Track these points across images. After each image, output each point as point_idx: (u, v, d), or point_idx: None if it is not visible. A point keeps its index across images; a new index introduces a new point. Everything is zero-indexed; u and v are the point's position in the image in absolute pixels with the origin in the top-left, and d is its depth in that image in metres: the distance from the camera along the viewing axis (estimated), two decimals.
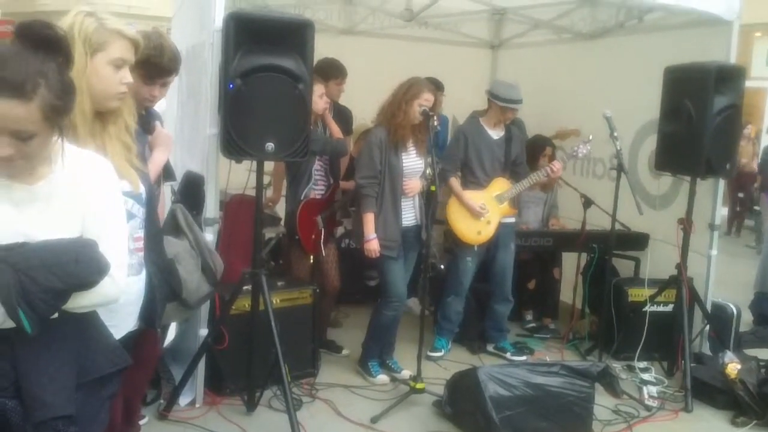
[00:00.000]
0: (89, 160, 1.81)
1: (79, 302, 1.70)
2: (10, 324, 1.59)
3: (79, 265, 1.64)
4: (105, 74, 2.16)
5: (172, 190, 3.49)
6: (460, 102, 6.18)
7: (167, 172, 3.06)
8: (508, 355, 5.01)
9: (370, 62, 6.27)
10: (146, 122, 2.98)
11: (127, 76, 2.21)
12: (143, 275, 2.38)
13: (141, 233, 2.34)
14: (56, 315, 1.67)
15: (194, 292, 2.89)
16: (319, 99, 4.57)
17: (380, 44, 6.66)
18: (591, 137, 4.96)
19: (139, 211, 2.31)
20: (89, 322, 1.85)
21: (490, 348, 5.11)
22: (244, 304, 3.94)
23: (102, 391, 1.87)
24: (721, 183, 4.90)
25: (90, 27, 2.15)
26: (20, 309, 1.54)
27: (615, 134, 4.65)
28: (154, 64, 2.80)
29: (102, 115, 2.20)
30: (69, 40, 1.70)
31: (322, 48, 6.36)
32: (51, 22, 1.67)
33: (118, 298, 1.83)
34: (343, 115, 5.34)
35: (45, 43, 1.59)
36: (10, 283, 1.54)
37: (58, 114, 1.60)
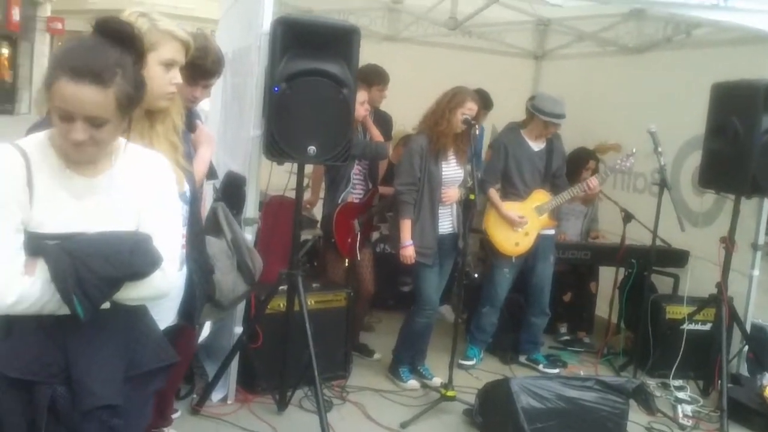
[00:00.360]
0: (150, 157, 1.88)
1: (132, 294, 1.75)
2: (64, 310, 1.65)
3: (134, 256, 1.70)
4: (155, 74, 2.20)
5: (213, 188, 3.55)
6: (503, 112, 6.15)
7: (210, 171, 3.11)
8: (540, 367, 4.98)
9: (412, 69, 6.30)
10: (189, 121, 3.04)
11: (177, 76, 2.27)
12: (184, 272, 2.43)
13: (184, 230, 2.39)
14: (108, 306, 1.72)
15: (229, 293, 2.89)
16: (360, 106, 4.60)
17: (423, 52, 6.69)
18: (635, 150, 4.91)
19: (183, 209, 2.37)
20: (140, 316, 1.90)
21: (522, 359, 5.08)
22: (279, 304, 3.99)
23: (149, 385, 1.92)
24: (766, 202, 4.81)
25: (143, 27, 2.20)
26: (75, 295, 1.60)
27: (659, 149, 4.60)
28: (198, 66, 2.82)
29: (151, 114, 2.26)
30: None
31: (366, 54, 6.37)
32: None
33: (169, 293, 1.89)
34: (383, 121, 5.37)
35: (122, 38, 1.68)
36: (67, 269, 1.61)
37: (130, 104, 1.70)
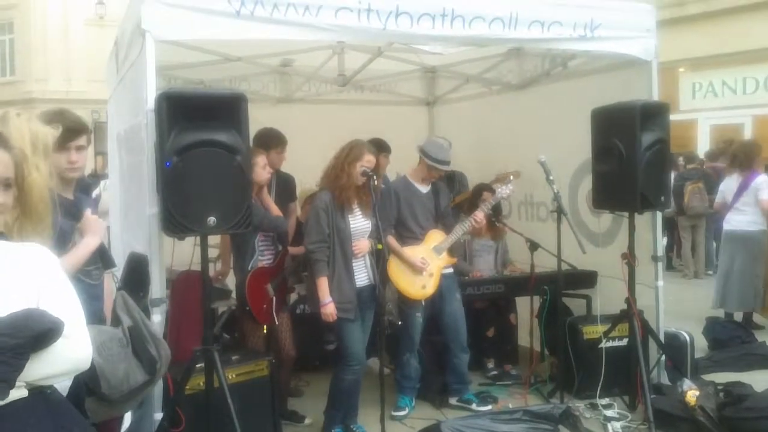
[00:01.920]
0: (33, 248, 1.88)
1: (43, 370, 1.70)
2: None
3: (29, 320, 1.67)
4: None
5: (114, 277, 3.44)
6: (402, 159, 6.27)
7: (106, 260, 3.02)
8: (473, 406, 4.97)
9: (309, 128, 6.38)
10: (76, 210, 2.97)
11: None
12: None
13: None
14: (26, 395, 1.67)
15: (120, 384, 2.69)
16: (262, 170, 4.61)
17: (318, 110, 6.80)
18: (511, 177, 5.13)
19: None
20: (63, 410, 1.84)
21: (453, 401, 5.08)
22: (198, 382, 3.86)
23: None
24: (659, 215, 5.05)
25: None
26: None
27: (551, 178, 4.79)
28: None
29: None
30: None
31: (262, 117, 6.43)
32: None
33: (86, 364, 1.83)
34: (286, 183, 5.38)
35: None
36: None
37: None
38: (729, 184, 7.33)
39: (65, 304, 1.81)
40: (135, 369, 2.77)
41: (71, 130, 2.96)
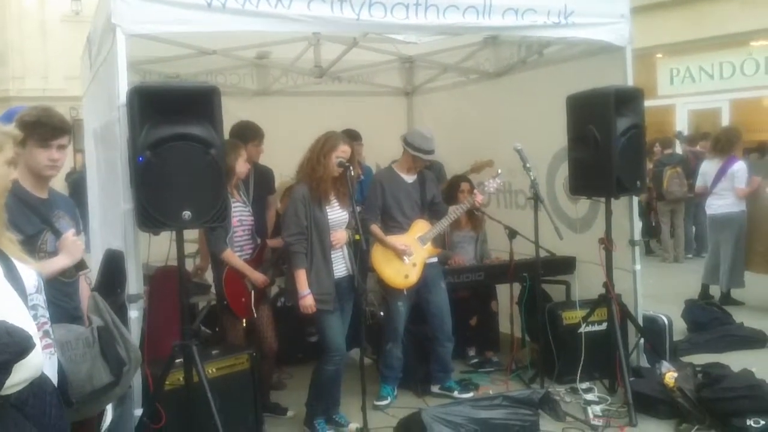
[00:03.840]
0: None
1: (18, 377, 1.75)
2: None
3: (11, 335, 1.70)
4: None
5: (89, 280, 3.41)
6: (381, 150, 6.28)
7: (79, 264, 3.01)
8: (455, 393, 5.00)
9: (287, 121, 6.37)
10: (45, 211, 2.98)
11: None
12: None
13: None
14: None
15: (83, 384, 2.65)
16: (243, 162, 4.60)
17: (296, 102, 6.77)
18: (500, 171, 5.13)
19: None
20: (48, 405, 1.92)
21: (435, 389, 5.10)
22: (178, 378, 3.85)
23: None
24: (635, 200, 5.09)
25: None
26: None
27: (528, 165, 4.81)
28: (45, 124, 2.92)
29: None
30: None
31: (240, 110, 6.43)
32: None
33: (41, 367, 1.89)
34: (264, 176, 5.37)
35: None
36: None
37: None
38: (709, 168, 7.49)
39: (17, 313, 1.81)
40: (100, 370, 2.73)
41: (56, 129, 2.97)
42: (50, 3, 23.92)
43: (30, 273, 2.11)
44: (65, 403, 2.26)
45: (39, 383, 1.93)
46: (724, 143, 7.37)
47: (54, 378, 2.12)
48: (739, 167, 7.24)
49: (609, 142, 4.55)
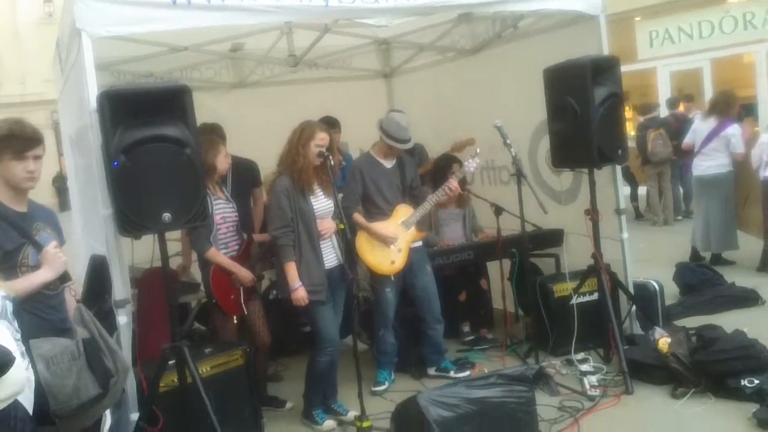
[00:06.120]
0: None
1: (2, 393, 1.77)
2: None
3: None
4: None
5: (73, 291, 3.38)
6: (363, 134, 6.23)
7: (62, 276, 2.99)
8: (451, 374, 5.02)
9: (267, 112, 6.32)
10: (25, 225, 2.95)
11: None
12: None
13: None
14: None
15: (69, 398, 2.65)
16: (223, 158, 4.57)
17: (274, 92, 6.71)
18: (478, 150, 5.11)
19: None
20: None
21: (431, 371, 5.12)
22: (172, 379, 3.85)
23: None
24: (618, 169, 5.08)
25: None
26: None
27: (508, 141, 4.78)
28: (19, 136, 2.90)
29: None
30: None
31: (216, 104, 6.38)
32: None
33: (24, 384, 1.91)
34: (248, 170, 5.34)
35: None
36: None
37: None
38: (702, 127, 7.47)
39: None
40: (87, 382, 2.73)
41: (30, 139, 2.94)
42: (22, 7, 23.69)
43: None
44: (46, 422, 2.25)
45: (6, 408, 1.91)
46: (722, 105, 7.35)
47: (29, 401, 2.10)
48: (735, 131, 7.21)
49: (588, 113, 4.53)
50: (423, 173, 5.87)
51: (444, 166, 5.60)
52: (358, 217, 4.82)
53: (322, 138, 4.31)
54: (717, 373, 4.24)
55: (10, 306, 2.16)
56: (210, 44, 5.85)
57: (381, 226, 4.83)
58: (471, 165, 4.98)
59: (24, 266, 2.91)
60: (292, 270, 4.28)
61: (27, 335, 2.26)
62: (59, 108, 6.27)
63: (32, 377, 2.12)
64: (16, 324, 2.13)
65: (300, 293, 4.25)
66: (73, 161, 5.37)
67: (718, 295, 6.14)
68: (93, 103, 3.57)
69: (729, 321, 5.17)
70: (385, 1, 4.25)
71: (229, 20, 4.03)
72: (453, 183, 4.89)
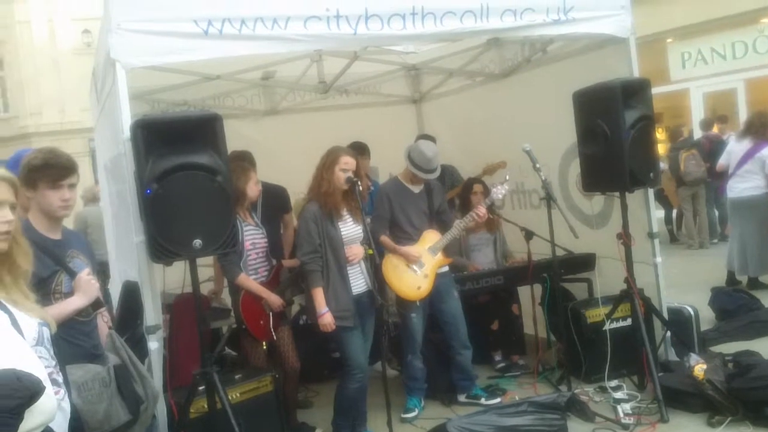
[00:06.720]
0: None
1: (31, 423, 1.77)
2: None
3: (22, 380, 1.74)
4: None
5: (105, 317, 3.44)
6: (393, 159, 6.24)
7: (96, 302, 3.03)
8: (482, 401, 4.95)
9: (298, 138, 6.40)
10: (59, 252, 2.99)
11: (7, 214, 2.15)
12: None
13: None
14: None
15: (101, 424, 2.70)
16: (254, 185, 4.62)
17: (305, 119, 6.80)
18: (507, 177, 5.10)
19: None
20: None
21: (461, 398, 5.06)
22: (203, 405, 3.86)
23: None
24: (651, 192, 5.02)
25: None
26: None
27: (538, 166, 4.76)
28: (54, 165, 2.95)
29: None
30: None
31: (248, 131, 6.46)
32: None
33: (55, 411, 1.91)
34: (277, 196, 5.38)
35: None
36: None
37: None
38: (736, 148, 7.38)
39: (27, 360, 1.84)
40: (117, 409, 2.76)
41: (65, 168, 3.00)
42: (61, 37, 24.32)
43: (30, 324, 2.10)
44: None
45: None
46: (758, 126, 7.25)
47: (64, 430, 2.12)
48: None
49: (619, 136, 4.49)
50: (453, 196, 5.88)
51: (465, 190, 5.63)
52: (385, 240, 4.82)
53: (346, 162, 4.34)
54: (755, 400, 4.13)
55: (47, 332, 2.19)
56: (241, 73, 5.95)
57: (408, 249, 4.82)
58: (499, 192, 4.95)
59: (58, 293, 2.96)
60: (319, 295, 4.28)
61: (63, 362, 2.29)
62: (95, 136, 6.41)
63: (67, 406, 2.15)
64: (52, 351, 2.16)
65: (327, 318, 4.25)
66: (107, 188, 5.48)
67: (755, 320, 6.00)
68: (127, 131, 3.65)
69: (766, 347, 5.04)
70: (413, 28, 4.28)
71: (259, 49, 4.09)
72: (481, 209, 4.88)
